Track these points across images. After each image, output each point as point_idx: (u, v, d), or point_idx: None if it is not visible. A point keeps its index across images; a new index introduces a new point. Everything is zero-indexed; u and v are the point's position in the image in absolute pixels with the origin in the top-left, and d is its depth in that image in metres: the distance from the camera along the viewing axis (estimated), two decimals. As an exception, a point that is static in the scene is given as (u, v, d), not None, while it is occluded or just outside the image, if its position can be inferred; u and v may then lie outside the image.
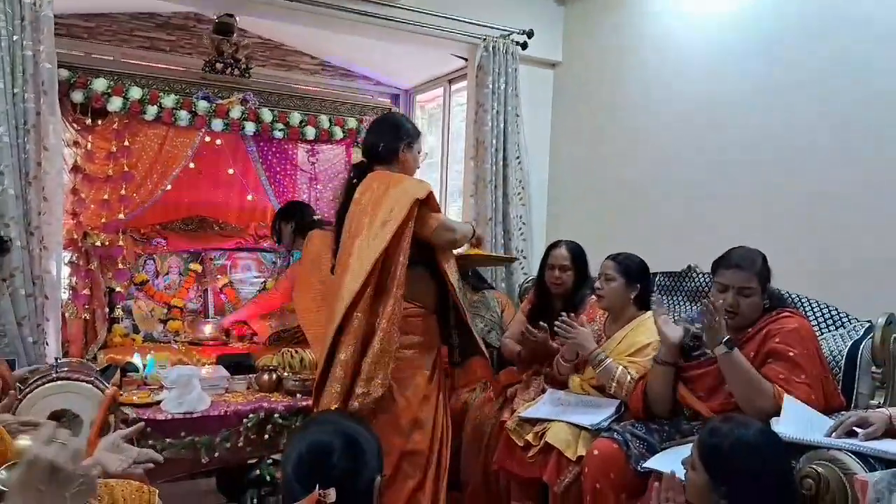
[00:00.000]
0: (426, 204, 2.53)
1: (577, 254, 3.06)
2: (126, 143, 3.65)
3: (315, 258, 3.23)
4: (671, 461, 2.05)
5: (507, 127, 3.96)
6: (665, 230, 3.48)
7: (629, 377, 2.51)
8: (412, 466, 2.46)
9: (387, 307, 2.42)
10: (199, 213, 4.51)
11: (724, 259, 2.35)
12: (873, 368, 2.36)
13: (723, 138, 3.24)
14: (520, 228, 4.03)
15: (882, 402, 2.29)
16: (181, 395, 2.76)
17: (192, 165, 4.00)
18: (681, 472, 1.81)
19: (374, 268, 2.40)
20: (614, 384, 2.53)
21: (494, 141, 3.93)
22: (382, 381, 2.38)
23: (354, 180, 2.67)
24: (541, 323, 2.89)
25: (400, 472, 2.44)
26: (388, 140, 2.65)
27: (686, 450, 2.05)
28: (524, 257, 4.00)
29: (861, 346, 2.39)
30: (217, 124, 3.82)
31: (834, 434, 1.94)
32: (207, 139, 4.00)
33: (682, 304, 3.14)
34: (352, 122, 4.31)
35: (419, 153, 2.74)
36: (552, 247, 3.15)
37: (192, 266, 4.33)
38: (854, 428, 1.94)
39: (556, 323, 2.65)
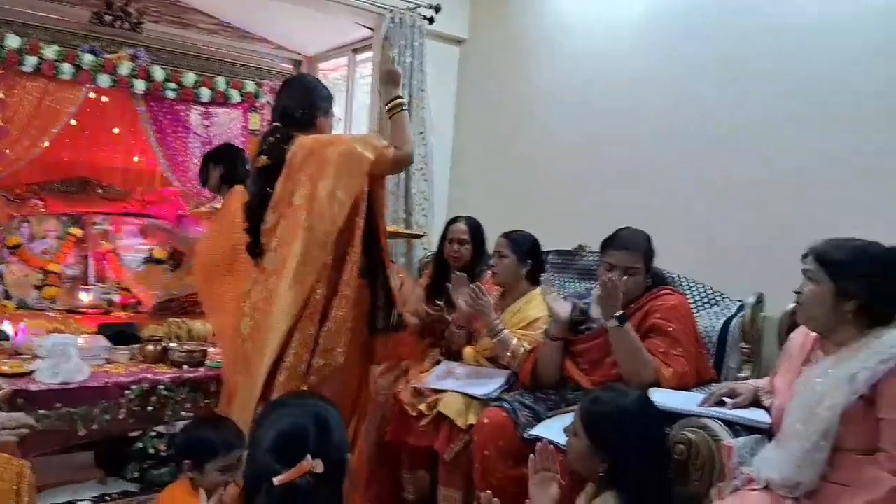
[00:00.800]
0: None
1: (476, 229, 3.11)
2: (1, 95, 3.39)
3: (230, 219, 2.90)
4: (556, 429, 2.14)
5: (413, 101, 3.95)
6: (559, 210, 3.58)
7: (523, 349, 2.59)
8: None
9: (344, 274, 2.26)
10: (81, 174, 4.25)
11: (611, 240, 2.46)
12: (742, 344, 2.55)
13: (617, 122, 3.36)
14: (421, 204, 4.04)
15: (749, 375, 2.48)
16: (57, 364, 2.61)
17: (74, 123, 3.75)
18: (564, 440, 1.89)
19: (337, 238, 2.24)
20: (509, 354, 2.60)
21: (398, 114, 3.90)
22: (343, 349, 2.25)
23: (274, 138, 2.39)
24: (437, 303, 2.95)
25: None
26: (307, 105, 2.43)
27: (570, 418, 2.15)
28: (424, 234, 4.01)
29: (732, 324, 2.57)
30: (103, 80, 3.60)
31: (705, 404, 2.08)
32: (92, 95, 3.77)
33: (572, 281, 3.25)
34: (250, 86, 4.18)
35: (332, 119, 2.61)
36: (452, 221, 3.19)
37: (72, 230, 4.09)
38: (723, 398, 2.08)
39: (469, 289, 2.68)
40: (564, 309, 2.46)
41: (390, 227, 3.29)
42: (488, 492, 1.62)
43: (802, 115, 2.65)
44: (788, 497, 1.71)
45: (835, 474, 1.68)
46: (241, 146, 4.13)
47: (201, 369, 2.96)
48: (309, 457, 1.22)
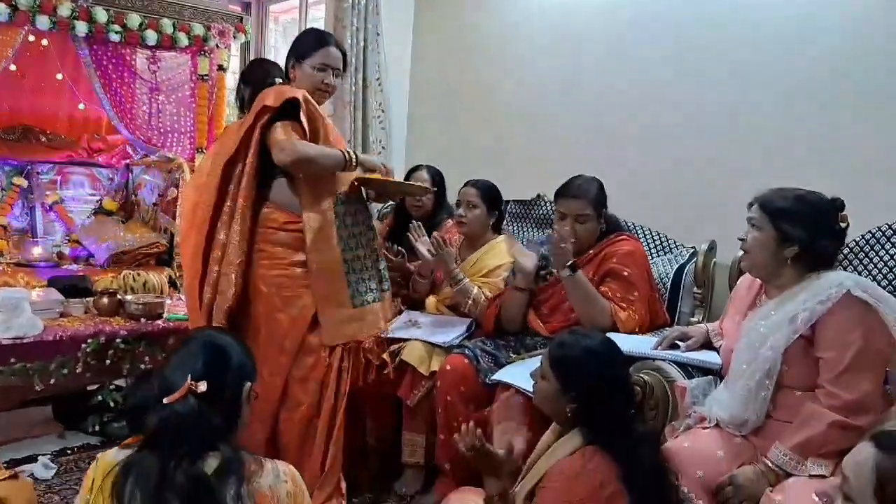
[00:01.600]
0: (284, 117, 2.21)
1: (437, 178, 3.11)
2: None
3: (219, 149, 2.44)
4: (517, 374, 2.21)
5: (368, 46, 3.87)
6: (518, 159, 3.59)
7: (483, 297, 2.63)
8: (304, 392, 2.27)
9: (235, 213, 2.24)
10: (23, 122, 4.09)
11: (563, 189, 2.49)
12: (695, 289, 2.64)
13: (574, 74, 3.35)
14: (379, 153, 4.00)
15: (701, 319, 2.57)
16: (8, 319, 2.56)
17: (13, 68, 3.58)
18: (528, 383, 1.95)
19: (223, 177, 2.26)
20: (470, 302, 2.64)
21: (354, 60, 3.82)
22: (227, 285, 2.22)
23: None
24: (396, 247, 2.95)
25: (290, 398, 2.27)
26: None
27: (530, 362, 2.22)
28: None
29: (685, 270, 2.66)
30: (42, 22, 3.42)
31: (659, 347, 2.16)
32: (31, 38, 3.59)
33: (531, 230, 3.30)
34: (198, 29, 4.02)
35: (314, 69, 2.32)
36: (413, 170, 3.18)
37: (16, 180, 3.94)
38: (676, 341, 2.17)
39: (431, 238, 2.74)
40: (530, 262, 2.49)
41: (377, 176, 2.41)
42: (471, 423, 1.76)
43: (752, 77, 2.69)
44: (737, 434, 1.81)
45: (778, 411, 1.77)
46: (190, 92, 4.02)
47: (159, 322, 2.93)
48: (190, 377, 1.35)
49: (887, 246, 2.24)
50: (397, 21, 4.13)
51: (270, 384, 2.22)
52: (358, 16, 3.81)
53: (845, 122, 2.47)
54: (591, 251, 2.45)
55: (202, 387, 1.34)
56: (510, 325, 2.55)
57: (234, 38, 4.25)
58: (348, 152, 2.25)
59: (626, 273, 2.36)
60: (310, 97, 2.23)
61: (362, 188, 2.38)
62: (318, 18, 4.55)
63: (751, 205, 1.88)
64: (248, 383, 1.46)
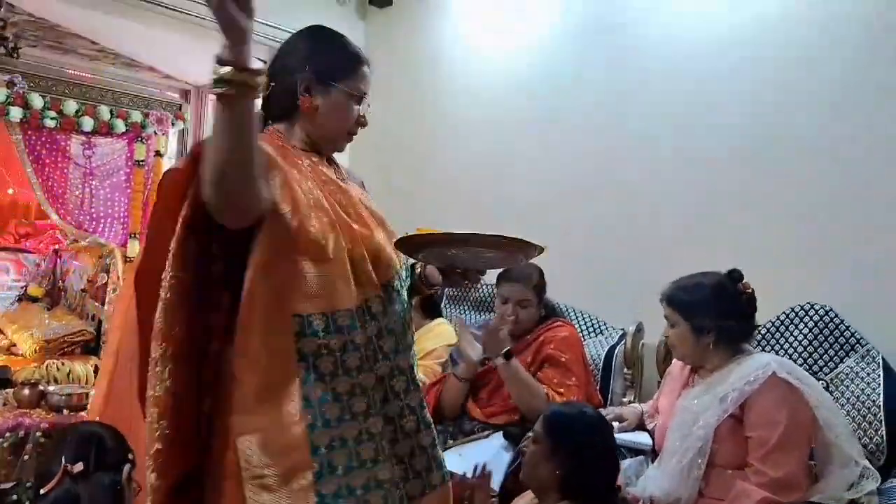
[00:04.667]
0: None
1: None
2: None
3: None
4: (457, 459, 2.20)
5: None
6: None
7: (421, 383, 2.64)
8: None
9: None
10: (-53, 206, 3.95)
11: (506, 272, 2.57)
12: (625, 370, 2.72)
13: (507, 155, 3.48)
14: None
15: (632, 399, 2.64)
16: (-82, 414, 2.41)
17: (-59, 152, 3.49)
18: (464, 469, 1.94)
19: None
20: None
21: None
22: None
23: None
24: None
25: None
26: (282, 72, 1.37)
27: (470, 448, 2.22)
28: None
29: (615, 351, 2.75)
30: (-24, 107, 3.38)
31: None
32: (-38, 123, 3.52)
33: (469, 312, 3.34)
34: (136, 116, 4.03)
35: (350, 98, 1.39)
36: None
37: (-65, 266, 3.78)
38: (612, 422, 2.21)
39: None
40: (476, 351, 2.46)
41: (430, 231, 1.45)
42: None
43: (677, 157, 2.88)
44: (671, 513, 1.85)
45: (710, 489, 1.83)
46: (125, 177, 3.99)
47: (83, 414, 2.80)
48: (63, 460, 1.40)
49: (800, 326, 2.38)
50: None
51: None
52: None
53: (759, 209, 2.65)
54: (529, 336, 2.50)
55: (78, 467, 1.38)
56: (448, 412, 2.55)
57: (173, 125, 4.28)
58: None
59: (563, 359, 2.42)
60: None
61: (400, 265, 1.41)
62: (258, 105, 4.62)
63: (661, 301, 2.00)
64: (128, 465, 1.49)
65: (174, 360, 1.16)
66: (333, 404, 1.20)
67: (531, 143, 3.40)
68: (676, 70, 2.90)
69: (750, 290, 1.93)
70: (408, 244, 1.34)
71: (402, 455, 1.27)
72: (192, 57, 4.48)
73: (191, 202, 1.16)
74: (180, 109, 4.35)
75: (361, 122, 1.42)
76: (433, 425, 1.29)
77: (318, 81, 1.35)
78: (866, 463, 1.90)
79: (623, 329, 2.80)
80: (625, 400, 2.64)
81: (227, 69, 1.00)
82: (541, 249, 1.32)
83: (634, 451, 2.13)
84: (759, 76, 2.67)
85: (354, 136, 1.44)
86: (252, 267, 1.16)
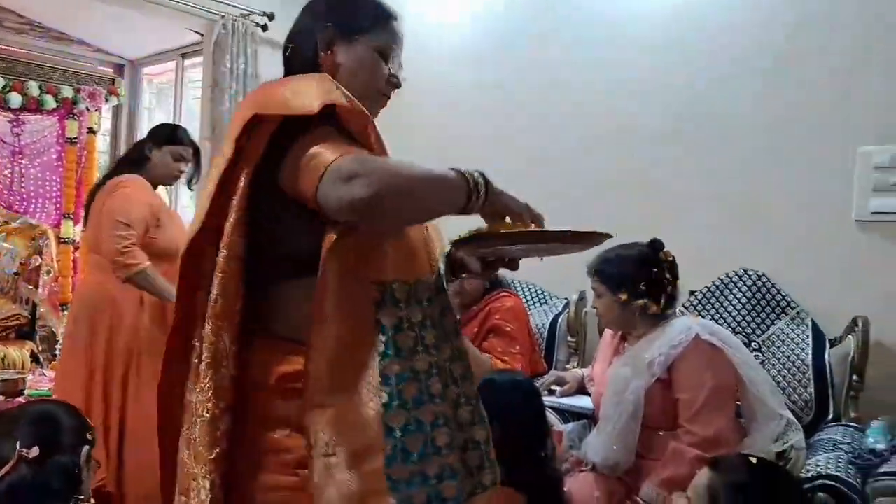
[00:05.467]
0: (314, 129, 1.06)
1: None
2: None
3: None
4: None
5: (246, 109, 3.86)
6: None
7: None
8: None
9: (204, 354, 1.09)
10: None
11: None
12: (569, 338, 2.78)
13: (452, 130, 3.50)
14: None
15: (576, 365, 2.71)
16: None
17: None
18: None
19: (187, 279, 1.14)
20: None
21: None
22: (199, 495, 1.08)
23: None
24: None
25: None
26: (303, 31, 1.26)
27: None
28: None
29: (559, 320, 2.80)
30: None
31: (537, 395, 2.25)
32: None
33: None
34: (67, 92, 3.89)
35: (374, 53, 1.24)
36: None
37: None
38: (553, 387, 2.27)
39: None
40: None
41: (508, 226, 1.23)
42: None
43: (617, 128, 2.92)
44: (612, 476, 1.91)
45: (645, 451, 1.90)
46: (57, 156, 3.86)
47: (20, 399, 2.73)
48: (19, 445, 1.33)
49: (735, 291, 2.47)
50: (277, 85, 4.16)
51: None
52: (237, 80, 3.82)
53: (698, 181, 2.72)
54: (475, 307, 2.53)
55: (34, 452, 1.32)
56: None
57: (106, 100, 4.14)
58: (469, 173, 1.10)
59: (508, 328, 2.46)
60: (354, 100, 1.10)
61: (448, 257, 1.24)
62: (194, 80, 4.51)
63: (588, 274, 2.04)
64: (87, 447, 1.44)
65: (236, 343, 1.07)
66: (411, 383, 1.06)
67: (475, 115, 3.41)
68: (617, 41, 2.93)
69: (671, 259, 1.99)
70: (468, 244, 1.15)
71: (456, 448, 1.11)
72: (126, 30, 4.34)
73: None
74: (114, 84, 4.21)
75: (393, 81, 1.27)
76: (487, 420, 1.19)
77: (340, 36, 1.22)
78: (789, 415, 1.99)
79: (566, 298, 2.86)
80: (568, 366, 2.70)
81: (484, 183, 1.08)
82: (608, 236, 1.16)
83: (577, 415, 2.18)
84: (701, 49, 2.72)
85: (388, 99, 1.30)
86: (332, 230, 1.04)
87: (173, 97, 4.69)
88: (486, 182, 1.08)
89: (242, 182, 1.06)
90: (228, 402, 1.07)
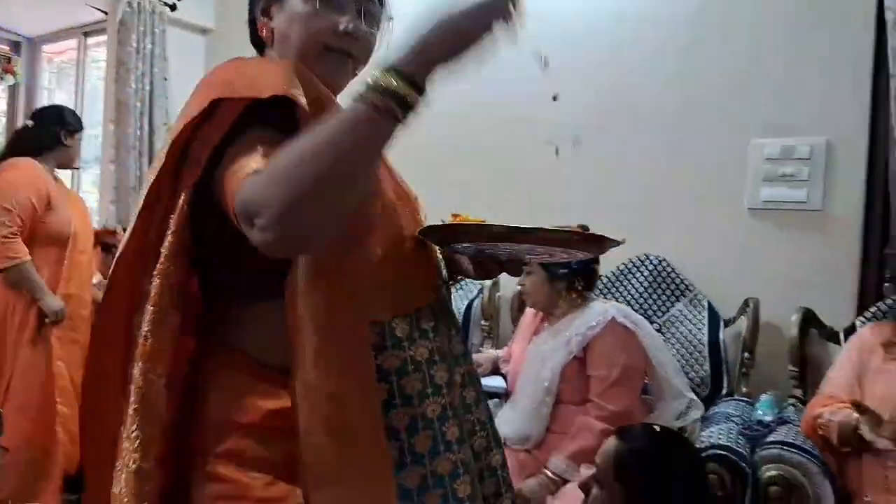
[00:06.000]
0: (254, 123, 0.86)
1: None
2: None
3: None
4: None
5: (154, 90, 3.74)
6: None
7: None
8: None
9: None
10: None
11: None
12: (483, 322, 2.85)
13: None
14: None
15: (490, 347, 2.77)
16: None
17: None
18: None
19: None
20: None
21: (139, 104, 3.67)
22: None
23: None
24: None
25: None
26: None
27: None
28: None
29: (474, 304, 2.86)
30: None
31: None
32: None
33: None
34: (-43, 69, 3.65)
35: (308, 3, 0.98)
36: None
37: None
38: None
39: None
40: None
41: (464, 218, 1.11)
42: None
43: (532, 118, 2.99)
44: (521, 450, 1.99)
45: (556, 425, 1.99)
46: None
47: None
48: None
49: (637, 274, 2.60)
50: (187, 67, 4.03)
51: None
52: (143, 60, 3.69)
53: (605, 169, 2.82)
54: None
55: None
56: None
57: (2, 78, 3.91)
58: (373, 83, 0.75)
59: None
60: (307, 73, 0.89)
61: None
62: (98, 60, 4.32)
63: None
64: None
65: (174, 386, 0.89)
66: (424, 433, 0.92)
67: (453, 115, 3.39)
68: (524, 32, 2.99)
69: None
70: (441, 233, 0.99)
71: (478, 499, 0.98)
72: (25, 6, 4.11)
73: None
74: (10, 62, 3.98)
75: (349, 30, 0.97)
76: (502, 441, 1.09)
77: None
78: (692, 395, 2.16)
79: (480, 284, 2.92)
80: (482, 349, 2.76)
81: (399, 80, 0.74)
82: (618, 242, 1.01)
83: (490, 394, 2.24)
84: (605, 42, 2.81)
85: (350, 57, 0.99)
86: (297, 272, 0.84)
87: (75, 77, 4.48)
88: (401, 71, 0.75)
89: (183, 198, 0.86)
90: (159, 456, 0.88)
